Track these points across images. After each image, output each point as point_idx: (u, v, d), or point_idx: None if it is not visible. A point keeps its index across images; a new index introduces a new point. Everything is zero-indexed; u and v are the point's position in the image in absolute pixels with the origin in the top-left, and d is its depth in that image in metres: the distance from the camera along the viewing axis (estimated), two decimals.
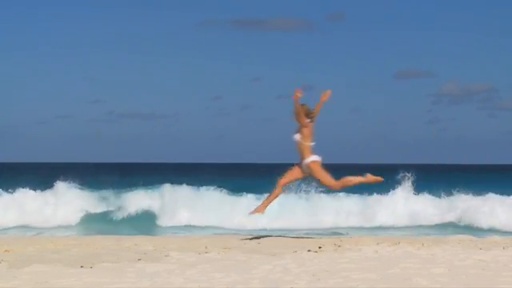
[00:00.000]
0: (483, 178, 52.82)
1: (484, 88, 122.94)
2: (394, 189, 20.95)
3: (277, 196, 13.71)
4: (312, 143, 13.63)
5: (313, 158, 13.59)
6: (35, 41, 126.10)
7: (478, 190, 21.08)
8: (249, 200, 20.52)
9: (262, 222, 18.71)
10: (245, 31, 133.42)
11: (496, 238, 15.54)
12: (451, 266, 10.49)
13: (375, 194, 21.15)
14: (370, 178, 13.98)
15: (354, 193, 21.47)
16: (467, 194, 20.74)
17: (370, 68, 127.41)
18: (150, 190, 21.69)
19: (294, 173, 13.73)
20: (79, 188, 21.44)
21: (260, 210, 13.70)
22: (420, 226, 19.52)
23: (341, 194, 21.17)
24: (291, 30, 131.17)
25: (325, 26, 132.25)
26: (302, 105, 13.70)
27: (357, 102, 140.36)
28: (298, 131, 13.61)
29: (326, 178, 13.69)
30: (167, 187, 21.54)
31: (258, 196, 20.55)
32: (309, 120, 13.66)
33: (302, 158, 13.60)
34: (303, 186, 20.86)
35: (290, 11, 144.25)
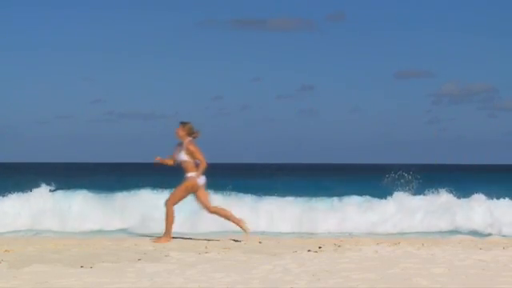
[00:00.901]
0: (483, 178, 52.81)
1: (484, 88, 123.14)
2: (393, 191, 20.81)
3: (231, 214, 13.83)
4: (197, 161, 13.52)
5: (192, 174, 13.51)
6: (35, 41, 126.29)
7: (479, 191, 20.97)
8: (249, 200, 20.42)
9: (261, 224, 18.67)
10: (245, 31, 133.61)
11: (496, 238, 15.55)
12: (451, 265, 10.49)
13: (372, 197, 21.00)
14: (168, 236, 13.64)
15: (351, 194, 21.32)
16: (467, 196, 20.59)
17: (370, 68, 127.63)
18: (149, 193, 21.40)
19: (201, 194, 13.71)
20: (78, 189, 21.28)
21: (244, 228, 13.76)
22: (419, 232, 19.34)
23: (335, 198, 20.90)
24: (291, 30, 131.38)
25: (325, 25, 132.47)
26: (186, 123, 13.64)
27: (357, 102, 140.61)
28: (183, 150, 13.54)
29: (175, 198, 13.61)
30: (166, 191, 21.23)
31: (257, 198, 20.45)
32: (191, 138, 13.59)
33: (186, 173, 13.53)
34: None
35: (290, 11, 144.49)
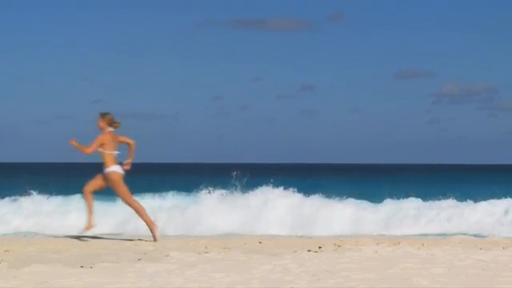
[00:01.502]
0: (483, 178, 52.77)
1: (484, 88, 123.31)
2: (391, 193, 20.65)
3: (91, 205, 13.68)
4: (115, 152, 13.53)
5: (114, 168, 13.50)
6: (35, 41, 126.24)
7: (479, 193, 20.87)
8: (248, 200, 20.30)
9: (261, 225, 18.61)
10: (245, 31, 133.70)
11: (496, 238, 15.54)
12: (451, 265, 10.49)
13: (369, 198, 20.85)
14: (152, 225, 13.73)
15: (350, 195, 21.13)
16: (466, 197, 20.43)
17: (370, 68, 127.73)
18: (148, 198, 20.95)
19: (98, 181, 13.65)
20: (74, 194, 20.96)
21: (90, 226, 13.63)
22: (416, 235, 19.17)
23: (333, 199, 20.65)
24: (291, 30, 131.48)
25: (325, 26, 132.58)
26: (106, 114, 13.65)
27: (357, 102, 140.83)
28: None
29: (126, 193, 13.58)
30: (166, 195, 20.94)
31: (257, 198, 20.32)
32: (112, 129, 13.58)
33: (105, 167, 13.50)
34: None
35: (290, 11, 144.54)
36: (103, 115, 13.71)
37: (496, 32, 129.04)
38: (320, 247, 12.79)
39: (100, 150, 13.54)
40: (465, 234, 17.09)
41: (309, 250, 12.29)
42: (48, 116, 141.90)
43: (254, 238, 14.91)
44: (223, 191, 20.29)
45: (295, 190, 20.02)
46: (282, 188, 20.08)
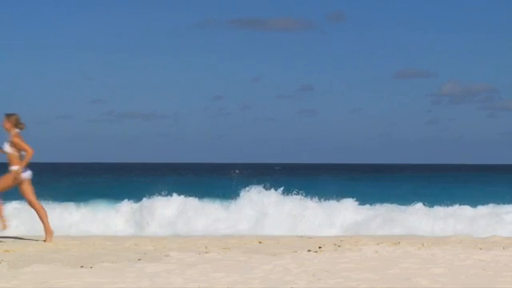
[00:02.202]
0: (483, 179, 52.73)
1: (484, 88, 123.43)
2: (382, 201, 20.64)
3: (46, 218, 13.55)
4: (21, 152, 13.38)
5: (16, 167, 13.31)
6: (35, 41, 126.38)
7: (479, 193, 20.89)
8: (247, 200, 20.29)
9: (261, 225, 18.61)
10: (245, 31, 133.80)
11: (496, 238, 15.54)
12: (451, 265, 10.49)
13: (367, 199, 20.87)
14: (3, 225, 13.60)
15: (347, 197, 21.10)
16: (465, 200, 20.40)
17: (370, 68, 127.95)
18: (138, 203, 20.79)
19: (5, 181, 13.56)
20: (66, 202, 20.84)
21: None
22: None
23: (330, 201, 20.57)
24: (291, 30, 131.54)
25: (325, 25, 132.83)
26: (12, 115, 13.48)
27: (357, 102, 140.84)
28: (9, 141, 13.39)
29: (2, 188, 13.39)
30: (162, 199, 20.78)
31: (256, 198, 20.31)
32: (17, 130, 13.42)
33: (10, 166, 13.36)
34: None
35: (290, 11, 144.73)
36: (9, 116, 13.49)
37: (496, 32, 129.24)
38: (320, 247, 12.79)
39: (10, 150, 13.39)
40: (465, 235, 17.08)
41: (309, 250, 12.29)
42: (48, 116, 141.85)
43: (254, 237, 14.91)
44: (223, 191, 20.32)
45: (295, 189, 20.07)
46: (281, 188, 20.12)
